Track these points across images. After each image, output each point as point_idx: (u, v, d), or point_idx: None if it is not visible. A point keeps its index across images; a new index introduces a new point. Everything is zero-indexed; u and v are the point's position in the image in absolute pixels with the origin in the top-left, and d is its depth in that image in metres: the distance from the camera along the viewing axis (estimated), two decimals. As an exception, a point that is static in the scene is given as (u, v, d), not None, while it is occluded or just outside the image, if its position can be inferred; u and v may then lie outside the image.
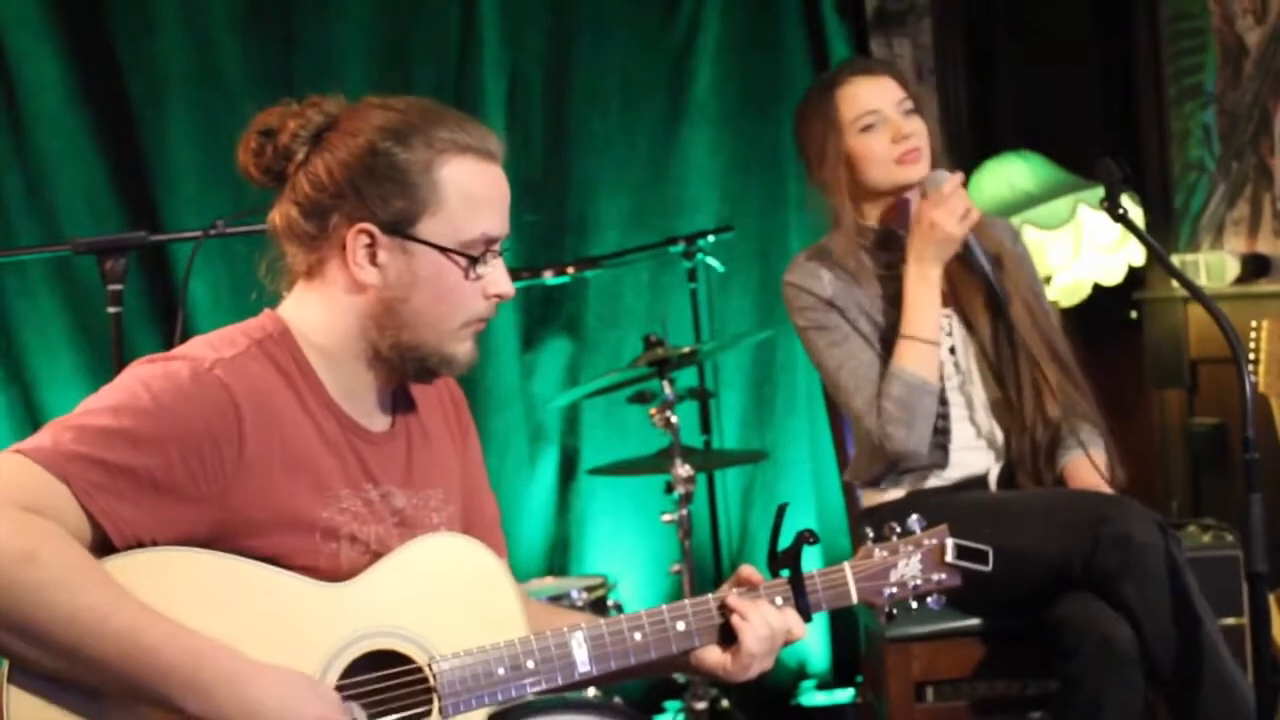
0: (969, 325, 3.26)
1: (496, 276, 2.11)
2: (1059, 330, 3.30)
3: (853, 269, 3.24)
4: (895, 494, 3.28)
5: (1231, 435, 4.59)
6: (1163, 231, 4.78)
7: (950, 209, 3.13)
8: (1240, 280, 4.53)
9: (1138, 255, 4.74)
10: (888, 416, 3.14)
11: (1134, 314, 4.96)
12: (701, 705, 3.96)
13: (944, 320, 3.25)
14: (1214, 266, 4.60)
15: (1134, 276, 4.87)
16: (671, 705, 4.55)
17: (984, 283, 3.21)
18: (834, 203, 3.27)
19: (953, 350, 3.26)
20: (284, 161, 2.10)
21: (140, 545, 1.92)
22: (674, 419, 3.88)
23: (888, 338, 3.20)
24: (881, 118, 3.21)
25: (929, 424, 3.17)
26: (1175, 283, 4.76)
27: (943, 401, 3.20)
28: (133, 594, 1.88)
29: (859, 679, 4.74)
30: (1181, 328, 4.76)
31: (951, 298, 3.28)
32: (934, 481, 3.25)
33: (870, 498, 3.33)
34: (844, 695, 4.86)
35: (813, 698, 4.93)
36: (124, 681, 1.86)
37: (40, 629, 1.83)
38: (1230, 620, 3.37)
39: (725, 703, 4.05)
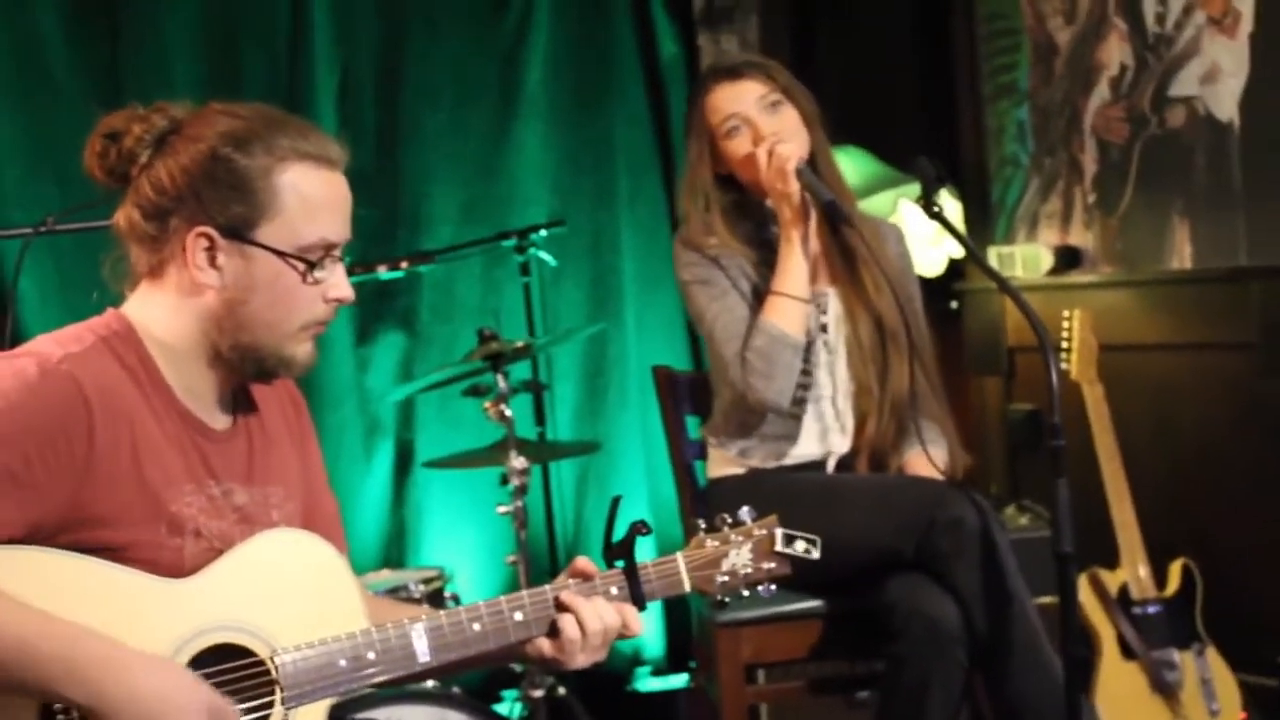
0: (847, 308, 3.35)
1: (336, 280, 2.15)
2: (925, 333, 3.40)
3: (723, 243, 3.32)
4: (736, 470, 3.37)
5: (1046, 420, 4.69)
6: (980, 224, 4.93)
7: (772, 169, 3.21)
8: (1054, 271, 4.68)
9: (957, 248, 4.88)
10: (750, 367, 3.23)
11: (954, 304, 5.11)
12: (538, 693, 3.99)
13: (823, 299, 3.34)
14: (1029, 258, 4.75)
15: (954, 268, 5.02)
16: (509, 694, 4.59)
17: (868, 272, 3.29)
18: (685, 205, 3.40)
19: (825, 328, 3.35)
20: (127, 164, 2.12)
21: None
22: (508, 412, 3.92)
23: (760, 301, 3.29)
24: (742, 119, 3.30)
25: (790, 378, 3.25)
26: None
27: (806, 373, 3.30)
28: None
29: (693, 664, 4.83)
30: (999, 317, 4.90)
31: (835, 278, 3.36)
32: (776, 461, 3.34)
33: (715, 467, 3.41)
34: (678, 680, 4.93)
35: (647, 683, 4.99)
36: (3, 677, 1.88)
37: None
38: (1045, 599, 3.51)
39: (561, 690, 4.09)
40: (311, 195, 2.12)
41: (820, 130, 3.35)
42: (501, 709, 4.24)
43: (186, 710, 1.93)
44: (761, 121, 3.29)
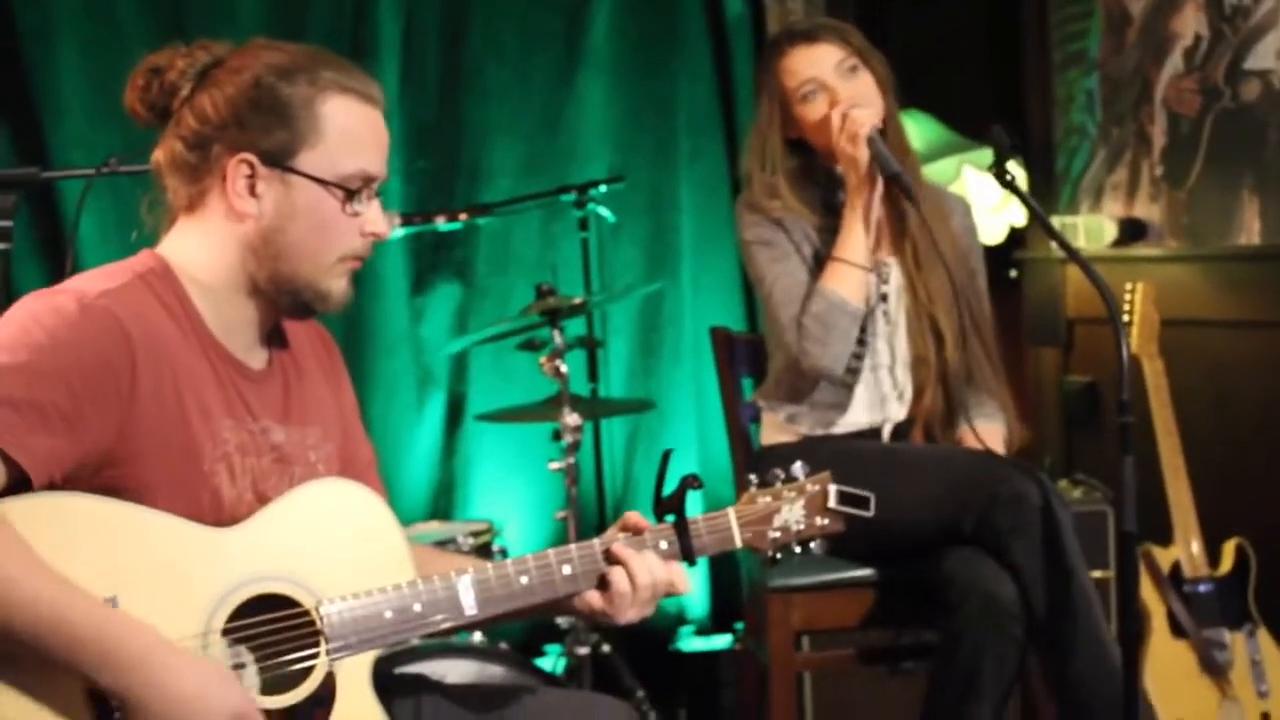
0: (908, 278, 3.32)
1: (373, 215, 2.15)
2: (987, 309, 3.38)
3: (787, 207, 3.30)
4: (789, 437, 3.35)
5: (1103, 393, 4.70)
6: (1044, 193, 4.87)
7: (845, 133, 3.19)
8: (1117, 243, 4.63)
9: (1019, 216, 4.84)
10: (805, 332, 3.21)
11: (1014, 273, 5.06)
12: (583, 650, 3.99)
13: (885, 268, 3.32)
14: (1092, 229, 4.70)
15: (1014, 236, 4.97)
16: (552, 649, 4.60)
17: (929, 242, 3.26)
18: (750, 167, 3.37)
19: (885, 298, 3.33)
20: (169, 98, 2.12)
21: (51, 482, 1.93)
22: (563, 368, 3.90)
23: (821, 266, 3.27)
24: (819, 84, 3.26)
25: (846, 346, 3.23)
26: (1054, 244, 4.87)
27: (861, 343, 3.27)
28: (41, 560, 1.88)
29: (737, 626, 4.82)
30: (1059, 287, 4.86)
31: (898, 249, 3.34)
32: (824, 429, 3.32)
33: (769, 433, 3.40)
34: (722, 641, 4.92)
35: (691, 643, 4.99)
36: (35, 649, 1.87)
37: None
38: (1097, 574, 3.48)
39: (606, 647, 4.09)
40: (352, 127, 2.12)
41: (892, 96, 3.31)
42: (545, 664, 4.24)
43: (212, 714, 1.92)
44: (839, 86, 3.25)
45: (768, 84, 3.34)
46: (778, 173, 3.33)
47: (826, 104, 3.25)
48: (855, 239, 3.22)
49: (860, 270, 3.22)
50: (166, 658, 1.92)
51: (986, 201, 4.69)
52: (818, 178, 3.35)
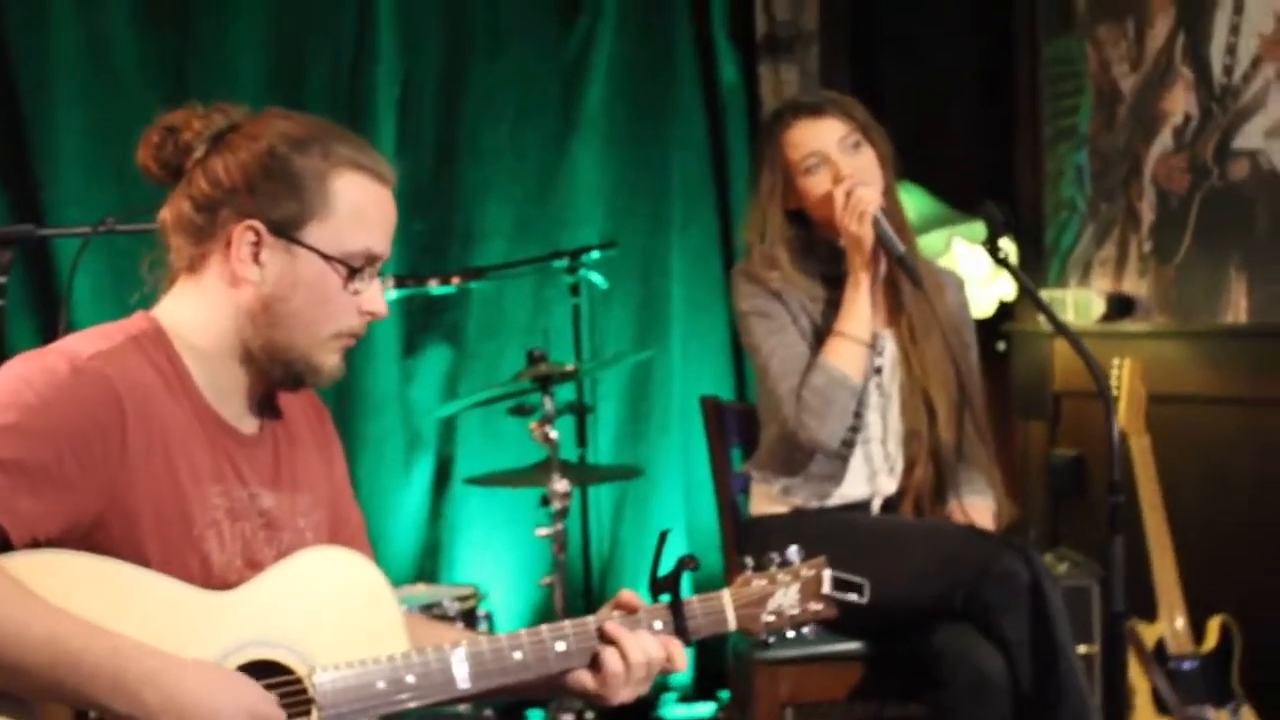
0: (902, 352, 3.34)
1: (373, 294, 2.16)
2: (979, 384, 3.40)
3: (786, 278, 3.32)
4: (780, 509, 3.35)
5: (1090, 467, 4.71)
6: (1033, 267, 4.90)
7: (850, 211, 3.20)
8: (1105, 318, 4.64)
9: (1008, 290, 4.85)
10: (805, 405, 3.21)
11: (1002, 346, 5.08)
12: (568, 717, 3.99)
13: (880, 340, 3.33)
14: (1081, 304, 4.72)
15: (1003, 309, 4.99)
16: (535, 715, 4.58)
17: (924, 317, 3.29)
18: (749, 237, 3.38)
19: (879, 371, 3.34)
20: (183, 157, 2.13)
21: (34, 542, 1.93)
22: (553, 434, 3.92)
23: (819, 340, 3.28)
24: (822, 158, 3.28)
25: (844, 421, 3.24)
26: (1042, 317, 4.89)
27: (857, 415, 3.28)
28: (43, 599, 1.89)
29: (721, 694, 4.81)
30: (1047, 361, 4.87)
31: (893, 321, 3.35)
32: (819, 501, 3.33)
33: (758, 503, 3.40)
34: (705, 710, 4.91)
35: (674, 711, 4.97)
36: (47, 689, 1.88)
37: None
38: (1083, 649, 3.48)
39: (589, 715, 4.08)
40: (362, 205, 2.13)
41: (891, 171, 3.34)
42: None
43: (226, 716, 1.92)
44: (842, 161, 3.27)
45: (770, 155, 3.35)
46: (777, 244, 3.34)
47: (829, 178, 3.27)
48: (859, 315, 3.23)
49: (862, 346, 3.23)
50: (178, 670, 1.92)
51: (976, 274, 4.71)
52: (818, 250, 3.36)
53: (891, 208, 3.32)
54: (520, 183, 5.00)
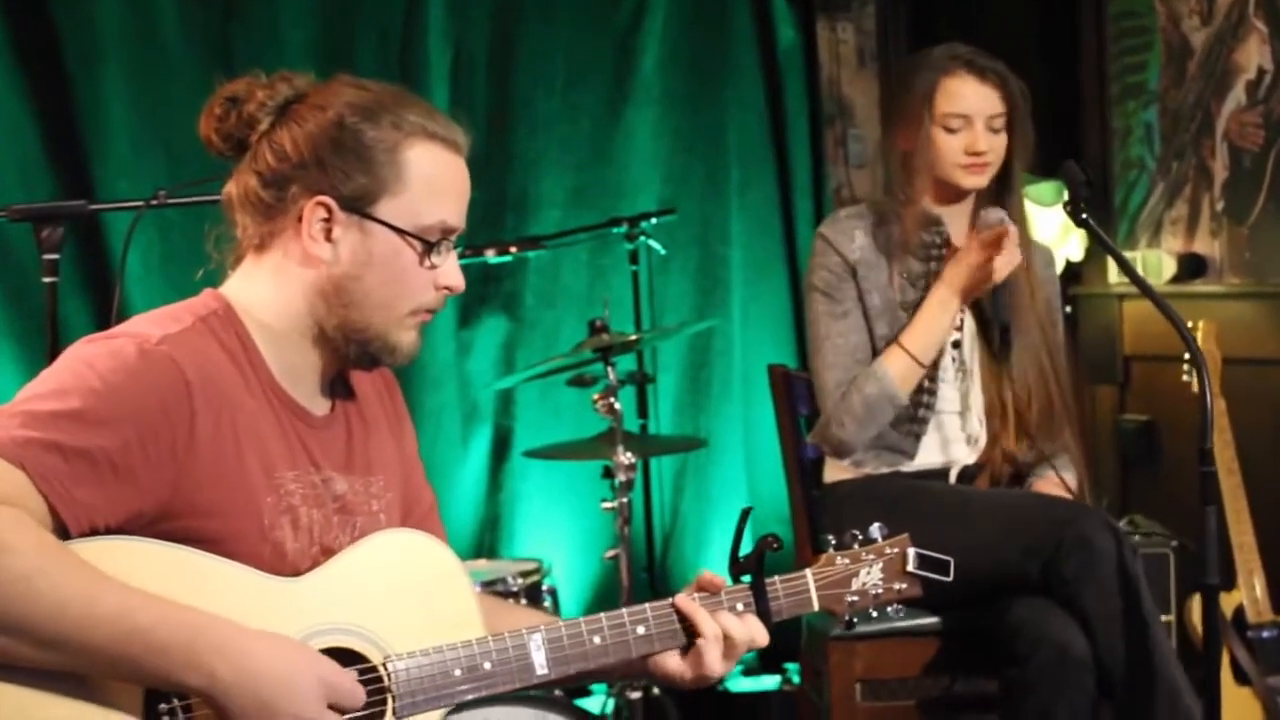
0: (982, 327, 3.28)
1: (449, 269, 2.08)
2: (1064, 361, 3.34)
3: (896, 240, 3.25)
4: (854, 473, 3.29)
5: (1160, 432, 4.63)
6: (1101, 228, 4.80)
7: (1005, 257, 3.13)
8: (1176, 279, 4.57)
9: (1075, 251, 4.77)
10: (848, 406, 3.17)
11: (1069, 309, 4.99)
12: (635, 695, 3.93)
13: (959, 314, 3.26)
14: (1151, 264, 4.64)
15: (1070, 271, 4.90)
16: (599, 688, 4.54)
17: (1007, 293, 3.22)
18: (906, 176, 3.28)
19: (958, 345, 3.28)
20: (247, 130, 2.05)
21: (94, 531, 1.87)
22: (617, 405, 3.84)
23: (890, 318, 3.23)
24: (968, 124, 3.20)
25: (876, 431, 3.20)
26: (1111, 279, 4.80)
27: (930, 392, 3.22)
28: (110, 576, 1.83)
29: (787, 666, 4.75)
30: (1116, 324, 4.80)
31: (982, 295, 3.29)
32: (890, 469, 3.27)
33: (831, 471, 3.34)
34: (771, 682, 4.87)
35: (739, 684, 4.93)
36: (117, 665, 1.82)
37: (24, 621, 1.78)
38: (1161, 618, 3.40)
39: (656, 690, 4.03)
40: (436, 176, 2.05)
41: (1023, 161, 3.27)
42: (593, 704, 4.18)
43: (301, 694, 1.88)
44: (982, 137, 3.19)
45: (923, 94, 3.23)
46: (909, 204, 3.26)
47: (963, 145, 3.19)
48: (932, 337, 3.18)
49: (921, 370, 3.18)
50: (252, 644, 1.87)
51: (1043, 236, 4.62)
52: (922, 214, 3.28)
53: (1016, 192, 3.27)
54: (575, 150, 4.95)
